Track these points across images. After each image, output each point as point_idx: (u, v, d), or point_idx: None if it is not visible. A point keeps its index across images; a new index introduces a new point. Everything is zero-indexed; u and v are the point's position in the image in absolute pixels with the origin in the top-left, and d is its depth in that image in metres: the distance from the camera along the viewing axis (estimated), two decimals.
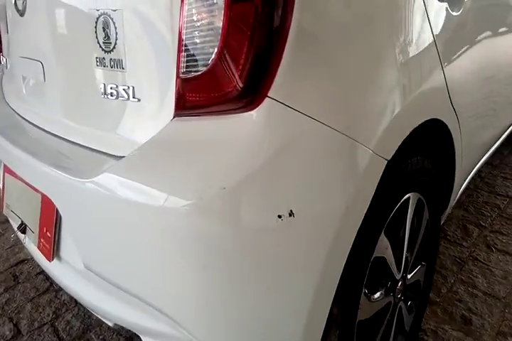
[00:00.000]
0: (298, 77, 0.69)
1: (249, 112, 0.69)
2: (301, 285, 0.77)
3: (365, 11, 0.78)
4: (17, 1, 1.02)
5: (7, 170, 1.24)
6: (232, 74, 0.67)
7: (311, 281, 0.78)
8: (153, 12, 0.75)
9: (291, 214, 0.70)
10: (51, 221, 1.03)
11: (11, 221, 1.33)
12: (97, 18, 0.81)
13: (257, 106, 0.68)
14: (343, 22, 0.74)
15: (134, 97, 0.81)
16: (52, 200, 0.96)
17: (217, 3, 0.65)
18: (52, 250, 1.04)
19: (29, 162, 0.98)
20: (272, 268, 0.73)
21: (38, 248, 1.10)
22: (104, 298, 0.93)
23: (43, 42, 0.98)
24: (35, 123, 1.10)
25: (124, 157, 0.83)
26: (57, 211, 1.00)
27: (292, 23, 0.65)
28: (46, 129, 1.04)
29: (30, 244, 1.16)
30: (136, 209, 0.75)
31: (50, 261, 1.05)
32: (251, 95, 0.68)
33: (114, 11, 0.78)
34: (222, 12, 0.65)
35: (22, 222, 1.18)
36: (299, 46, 0.68)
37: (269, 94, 0.68)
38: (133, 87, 0.81)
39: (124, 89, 0.82)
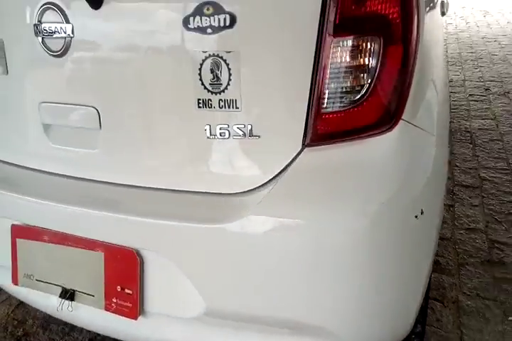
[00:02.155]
0: (415, 99, 0.82)
1: (387, 134, 0.79)
2: (426, 267, 0.92)
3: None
4: (46, 40, 0.87)
5: (19, 234, 1.05)
6: (380, 107, 0.76)
7: (429, 260, 0.93)
8: (277, 52, 0.76)
9: (422, 212, 0.83)
10: (132, 277, 0.94)
11: (26, 292, 1.12)
12: (203, 60, 0.79)
13: (393, 128, 0.79)
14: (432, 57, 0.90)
15: (251, 135, 0.81)
16: (144, 253, 0.90)
17: (367, 46, 0.73)
18: (138, 307, 0.95)
19: (102, 217, 0.89)
20: (411, 257, 0.86)
21: (108, 310, 0.98)
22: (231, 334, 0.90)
23: (100, 86, 0.87)
24: (75, 175, 0.98)
25: (239, 193, 0.84)
26: (141, 264, 0.92)
27: (417, 60, 0.77)
28: (104, 180, 0.94)
29: (81, 310, 1.02)
30: (289, 236, 0.79)
31: (135, 319, 0.95)
32: (392, 120, 0.78)
33: (229, 52, 0.77)
34: (375, 53, 0.73)
35: (64, 288, 1.03)
36: (417, 75, 0.80)
37: (403, 117, 0.79)
38: (250, 125, 0.81)
39: (239, 128, 0.81)
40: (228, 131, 0.82)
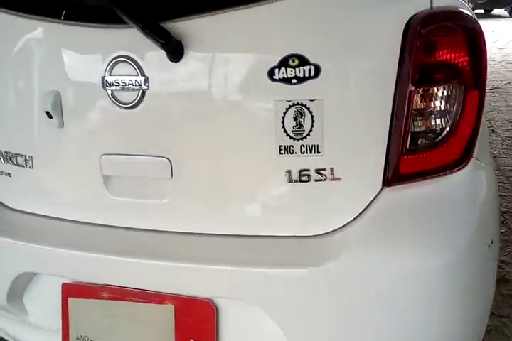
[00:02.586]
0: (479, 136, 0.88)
1: (461, 171, 0.84)
2: (491, 287, 0.96)
3: None
4: (115, 92, 0.86)
5: (70, 293, 0.99)
6: (459, 147, 0.82)
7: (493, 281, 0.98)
8: (358, 99, 0.80)
9: (492, 242, 0.89)
10: (208, 329, 0.91)
11: None
12: (287, 109, 0.81)
13: (467, 165, 0.84)
14: None
15: (333, 178, 0.83)
16: (221, 303, 0.88)
17: (445, 92, 0.78)
18: None
19: (174, 268, 0.87)
20: (482, 281, 0.91)
21: None
22: None
23: (174, 136, 0.87)
24: (139, 226, 0.94)
25: (321, 235, 0.86)
26: (217, 314, 0.90)
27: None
28: (173, 230, 0.92)
29: None
30: (380, 276, 0.81)
31: None
32: (466, 158, 0.83)
33: (312, 100, 0.80)
34: (453, 99, 0.79)
35: None
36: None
37: (473, 155, 0.85)
38: (331, 168, 0.83)
39: (320, 172, 0.83)
40: (309, 175, 0.84)
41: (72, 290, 0.99)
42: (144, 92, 0.84)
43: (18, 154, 1.01)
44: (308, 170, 0.84)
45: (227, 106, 0.84)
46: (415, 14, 0.77)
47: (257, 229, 0.89)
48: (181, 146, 0.87)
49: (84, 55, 0.89)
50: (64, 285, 0.99)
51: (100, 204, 0.97)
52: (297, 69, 0.78)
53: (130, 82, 0.84)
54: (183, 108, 0.85)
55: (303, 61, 0.78)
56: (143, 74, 0.83)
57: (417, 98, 0.79)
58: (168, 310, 0.94)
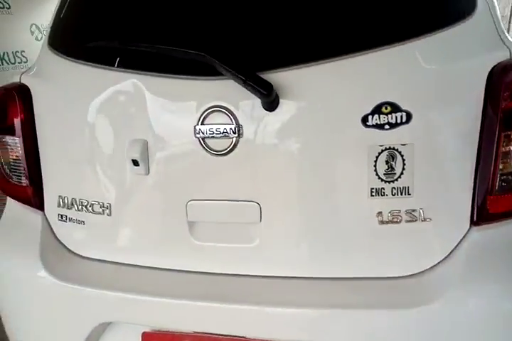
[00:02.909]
0: None
1: None
2: None
3: None
4: (207, 140, 0.88)
5: (151, 339, 0.96)
6: None
7: None
8: (446, 142, 0.84)
9: None
10: None
11: None
12: (379, 153, 0.84)
13: None
14: None
15: (423, 218, 0.86)
16: None
17: None
18: None
19: (265, 312, 0.87)
20: None
21: None
22: None
23: (266, 181, 0.89)
24: (224, 271, 0.94)
25: (413, 275, 0.87)
26: None
27: None
28: (261, 274, 0.92)
29: None
30: (478, 314, 0.82)
31: None
32: None
33: (404, 145, 0.83)
34: None
35: None
36: None
37: None
38: (422, 209, 0.85)
39: (410, 213, 0.86)
40: (400, 216, 0.86)
41: (153, 339, 0.97)
42: (237, 140, 0.87)
43: (96, 202, 1.01)
44: (399, 211, 0.86)
45: (320, 152, 0.86)
46: (497, 64, 0.83)
47: (348, 271, 0.90)
48: (272, 191, 0.89)
49: (175, 105, 0.91)
50: (145, 334, 0.97)
51: (183, 250, 0.96)
52: (390, 115, 0.82)
53: (224, 131, 0.86)
54: (275, 154, 0.87)
55: (395, 108, 0.82)
56: (237, 123, 0.86)
57: (502, 141, 0.83)
58: None
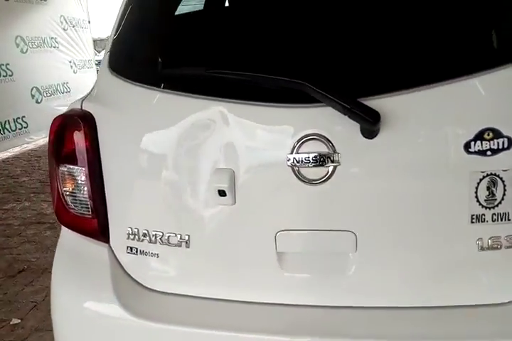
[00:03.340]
0: None
1: None
2: None
3: None
4: (301, 170, 0.85)
5: None
6: None
7: None
8: None
9: None
10: None
11: None
12: (481, 179, 0.82)
13: None
14: None
15: None
16: None
17: None
18: None
19: None
20: None
21: None
22: None
23: (363, 210, 0.86)
24: (316, 303, 0.91)
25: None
26: None
27: None
28: (357, 305, 0.89)
29: None
30: None
31: None
32: None
33: (505, 170, 0.82)
34: None
35: None
36: None
37: None
38: None
39: (510, 239, 0.84)
40: (500, 242, 0.85)
41: None
42: (334, 168, 0.84)
43: (172, 233, 0.97)
44: (499, 237, 0.85)
45: (421, 179, 0.84)
46: None
47: (447, 299, 0.88)
48: (369, 220, 0.87)
49: (266, 134, 0.88)
50: None
51: (271, 282, 0.93)
52: (492, 141, 0.81)
53: (321, 159, 0.84)
54: (374, 182, 0.85)
55: (497, 134, 0.81)
56: (334, 151, 0.84)
57: None
58: None
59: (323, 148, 0.84)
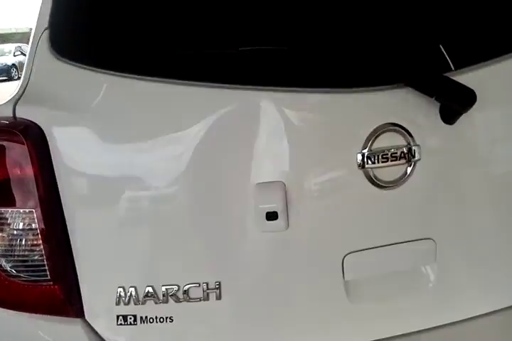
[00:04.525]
0: None
1: None
2: None
3: None
4: (375, 172, 0.64)
5: None
6: None
7: None
8: None
9: None
10: None
11: None
12: None
13: None
14: None
15: None
16: None
17: None
18: None
19: None
20: None
21: None
22: None
23: (443, 213, 0.68)
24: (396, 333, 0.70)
25: None
26: None
27: None
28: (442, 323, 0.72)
29: None
30: None
31: None
32: None
33: None
34: None
35: None
36: None
37: None
38: None
39: None
40: None
41: None
42: (414, 165, 0.66)
43: (194, 284, 0.66)
44: None
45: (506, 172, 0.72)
46: None
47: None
48: (449, 223, 0.71)
49: (327, 129, 0.64)
50: None
51: (339, 319, 0.70)
52: None
53: (401, 156, 0.64)
54: (457, 178, 0.69)
55: None
56: (414, 144, 0.65)
57: None
58: None
59: (401, 141, 0.65)
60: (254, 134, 0.64)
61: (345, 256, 0.68)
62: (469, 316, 0.75)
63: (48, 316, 0.69)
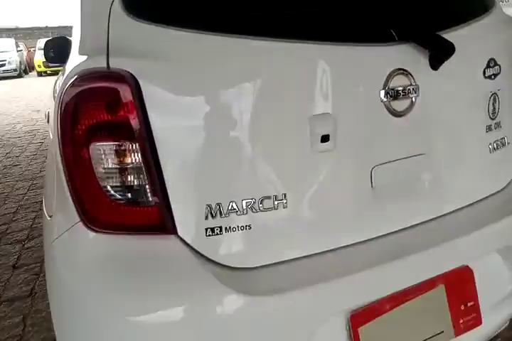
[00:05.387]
0: None
1: None
2: None
3: None
4: (392, 104, 0.88)
5: (358, 322, 0.90)
6: None
7: None
8: None
9: None
10: (471, 289, 1.03)
11: None
12: (489, 97, 1.02)
13: None
14: None
15: (508, 143, 1.11)
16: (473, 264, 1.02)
17: None
18: (480, 312, 1.03)
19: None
20: None
21: (458, 334, 1.01)
22: None
23: (432, 134, 0.95)
24: (410, 224, 0.98)
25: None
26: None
27: None
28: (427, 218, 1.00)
29: None
30: None
31: (480, 324, 1.03)
32: None
33: (499, 90, 1.05)
34: None
35: None
36: None
37: None
38: (505, 136, 1.11)
39: (501, 140, 1.09)
40: (497, 144, 1.10)
41: (359, 318, 0.91)
42: (414, 99, 0.92)
43: (266, 196, 0.84)
44: (496, 139, 1.10)
45: (463, 105, 1.02)
46: None
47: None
48: (435, 143, 0.99)
49: (357, 73, 0.87)
50: (352, 316, 0.90)
51: (369, 219, 0.94)
52: (493, 68, 1.04)
53: (407, 92, 0.90)
54: (440, 109, 0.98)
55: (495, 63, 1.04)
56: (415, 83, 0.91)
57: None
58: (440, 290, 1.01)
59: (406, 82, 0.91)
60: (312, 79, 0.84)
61: (373, 168, 0.92)
62: (464, 204, 1.06)
63: (147, 235, 0.82)
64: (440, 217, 1.02)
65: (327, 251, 0.91)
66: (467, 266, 1.03)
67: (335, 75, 0.86)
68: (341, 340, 0.89)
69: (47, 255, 0.92)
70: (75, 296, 0.80)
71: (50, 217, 0.93)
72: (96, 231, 0.80)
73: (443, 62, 0.92)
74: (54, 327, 0.87)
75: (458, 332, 1.04)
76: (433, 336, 1.01)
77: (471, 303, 1.06)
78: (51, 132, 1.08)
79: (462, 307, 1.04)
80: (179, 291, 0.78)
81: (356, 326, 0.91)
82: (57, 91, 0.84)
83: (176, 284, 0.79)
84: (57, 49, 1.81)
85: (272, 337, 0.82)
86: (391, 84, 0.89)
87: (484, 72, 1.04)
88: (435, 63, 0.92)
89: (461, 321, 1.05)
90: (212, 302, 0.78)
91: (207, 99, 0.80)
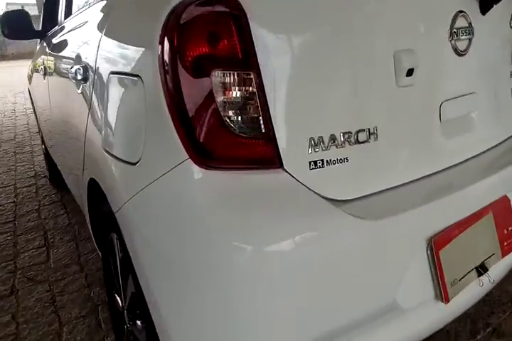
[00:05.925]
0: None
1: None
2: None
3: None
4: (457, 42, 0.96)
5: (440, 245, 0.98)
6: None
7: None
8: None
9: None
10: (510, 217, 1.15)
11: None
12: None
13: None
14: None
15: None
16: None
17: None
18: None
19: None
20: None
21: (504, 254, 1.12)
22: None
23: (479, 74, 1.04)
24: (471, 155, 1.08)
25: None
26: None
27: None
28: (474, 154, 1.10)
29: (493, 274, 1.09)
30: None
31: None
32: None
33: None
34: None
35: (476, 267, 1.06)
36: None
37: None
38: None
39: None
40: None
41: (440, 241, 0.98)
42: (471, 40, 1.02)
43: (361, 129, 0.87)
44: None
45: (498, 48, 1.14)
46: None
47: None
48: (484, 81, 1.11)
49: (433, 13, 0.95)
50: (435, 239, 0.96)
51: (438, 152, 1.02)
52: None
53: (466, 32, 1.00)
54: (490, 50, 1.10)
55: None
56: (471, 25, 1.01)
57: None
58: (490, 216, 1.12)
59: (466, 23, 1.00)
60: (395, 17, 0.91)
61: (441, 103, 1.00)
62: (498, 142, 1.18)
63: (258, 170, 0.82)
64: (486, 151, 1.14)
65: (410, 182, 0.98)
66: (505, 196, 1.15)
67: (414, 14, 0.93)
68: (425, 263, 0.96)
69: (136, 206, 0.87)
70: (203, 243, 0.77)
71: (135, 163, 0.88)
72: (207, 168, 0.79)
73: (491, 7, 1.03)
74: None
75: (504, 253, 1.16)
76: (488, 258, 1.12)
77: (511, 228, 1.19)
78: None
79: (505, 232, 1.17)
80: (306, 220, 0.80)
81: (438, 249, 0.98)
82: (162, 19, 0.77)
83: (298, 214, 0.80)
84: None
85: (382, 258, 0.88)
86: (456, 25, 0.98)
87: (510, 24, 1.17)
88: (485, 8, 1.02)
89: (505, 243, 1.17)
90: (336, 227, 0.81)
91: (307, 31, 0.82)
